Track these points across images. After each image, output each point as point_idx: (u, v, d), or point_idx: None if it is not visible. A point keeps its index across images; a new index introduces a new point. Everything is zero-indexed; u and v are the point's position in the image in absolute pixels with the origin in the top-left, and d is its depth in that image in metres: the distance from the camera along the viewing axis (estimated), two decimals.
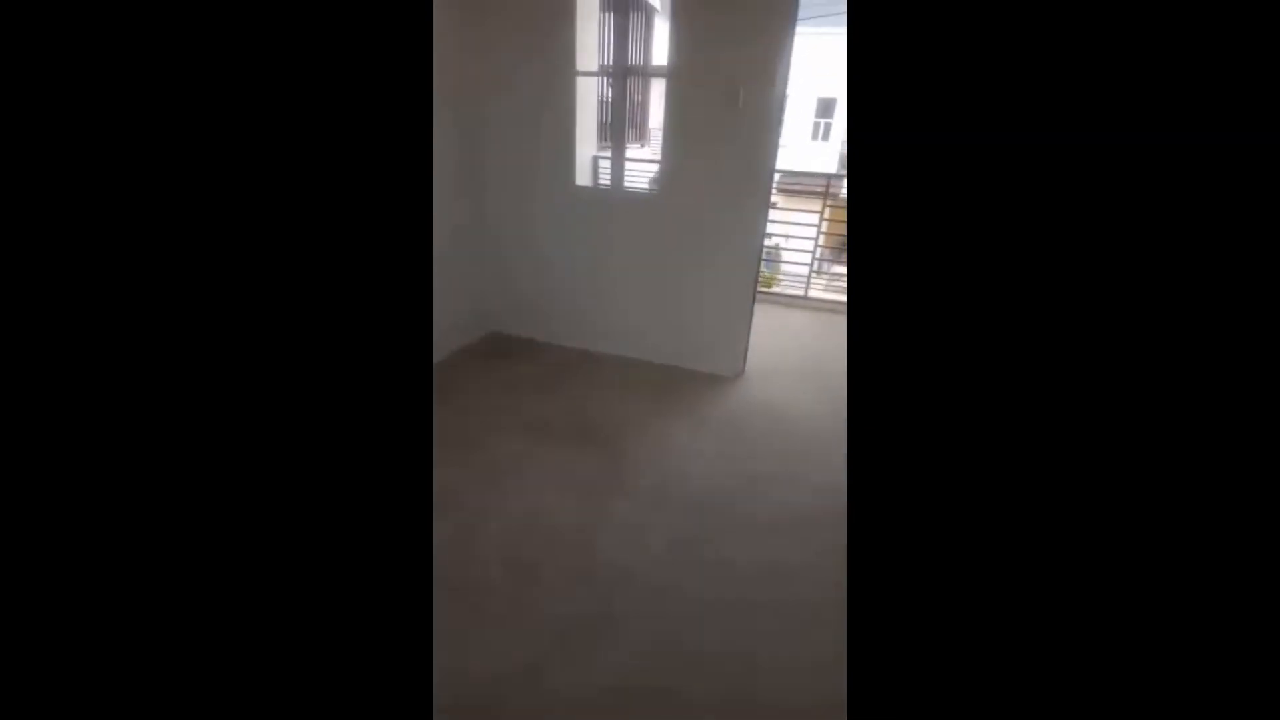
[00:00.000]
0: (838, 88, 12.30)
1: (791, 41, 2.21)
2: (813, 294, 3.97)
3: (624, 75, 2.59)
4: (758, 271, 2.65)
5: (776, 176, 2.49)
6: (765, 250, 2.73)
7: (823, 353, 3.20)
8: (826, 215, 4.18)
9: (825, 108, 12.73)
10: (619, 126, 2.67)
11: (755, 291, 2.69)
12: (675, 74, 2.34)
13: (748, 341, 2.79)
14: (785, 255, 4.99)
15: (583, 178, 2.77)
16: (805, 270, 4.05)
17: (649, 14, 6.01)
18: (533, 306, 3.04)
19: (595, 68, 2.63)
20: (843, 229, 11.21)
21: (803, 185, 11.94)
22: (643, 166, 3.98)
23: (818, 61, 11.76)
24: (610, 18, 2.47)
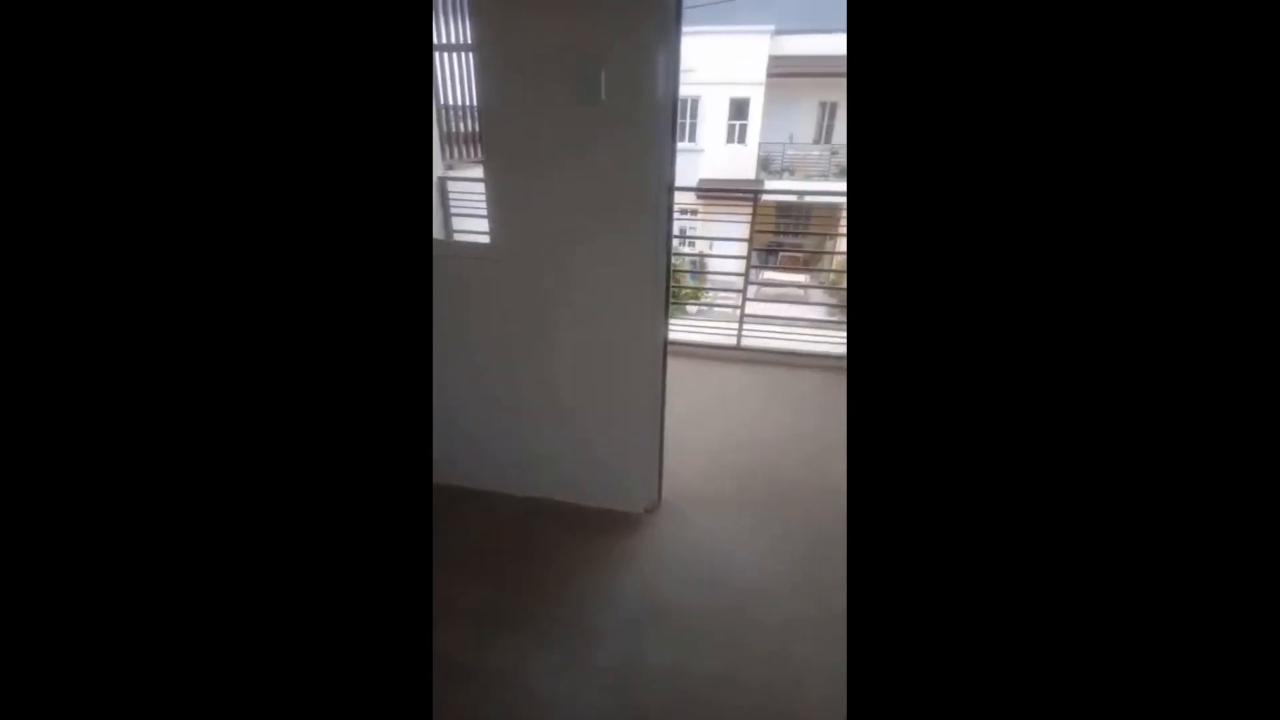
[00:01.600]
0: (750, 89, 11.82)
1: (677, 18, 1.28)
2: (749, 341, 3.08)
3: None
4: (664, 350, 1.69)
5: (673, 192, 1.57)
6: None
7: (777, 443, 2.28)
8: (753, 227, 3.29)
9: (739, 109, 12.18)
10: None
11: (664, 380, 1.74)
12: (487, 46, 1.35)
13: (661, 454, 1.82)
14: (710, 294, 4.14)
15: None
16: (735, 309, 3.15)
17: None
18: None
19: None
20: (768, 234, 10.73)
21: (727, 190, 11.38)
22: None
23: (729, 61, 11.32)
24: None
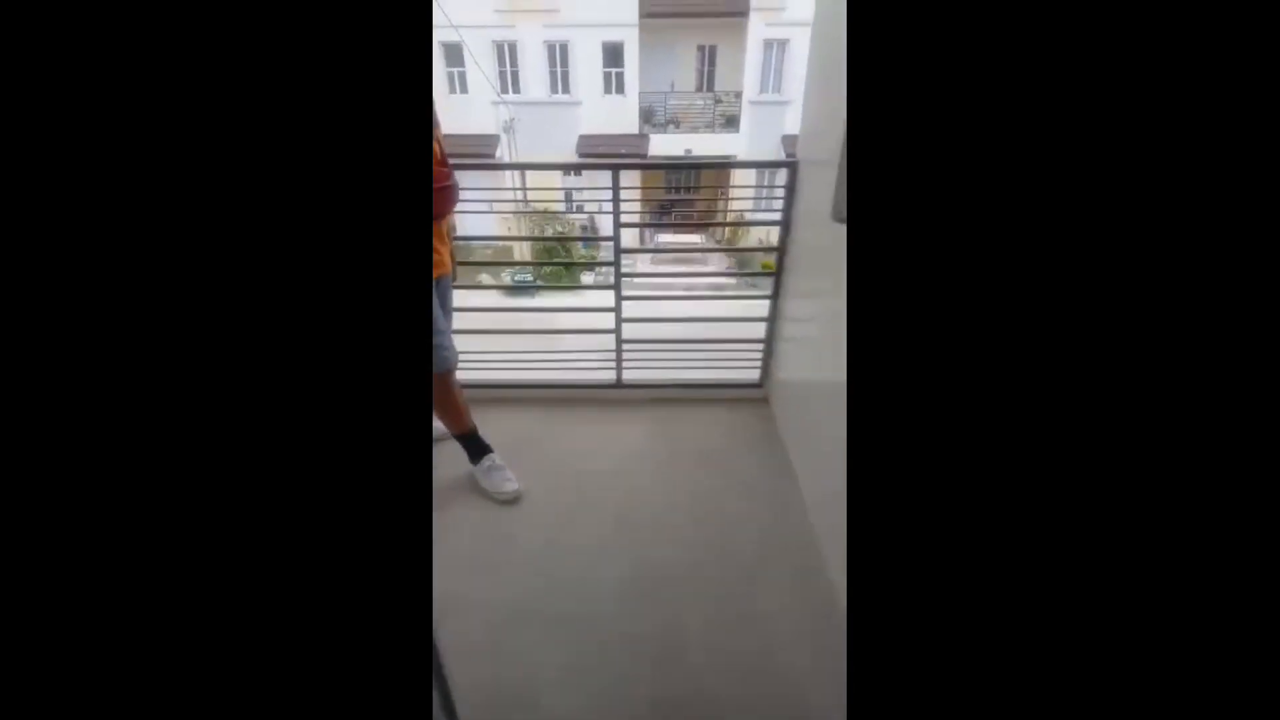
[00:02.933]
0: (624, 30, 10.61)
1: None
2: (630, 372, 2.18)
3: None
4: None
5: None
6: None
7: (694, 587, 1.40)
8: (616, 209, 2.35)
9: (613, 55, 10.96)
10: None
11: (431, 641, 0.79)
12: None
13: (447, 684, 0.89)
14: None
15: None
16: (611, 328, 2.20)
17: None
18: None
19: None
20: (656, 193, 9.83)
21: (595, 158, 10.33)
22: None
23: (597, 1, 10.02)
24: None
